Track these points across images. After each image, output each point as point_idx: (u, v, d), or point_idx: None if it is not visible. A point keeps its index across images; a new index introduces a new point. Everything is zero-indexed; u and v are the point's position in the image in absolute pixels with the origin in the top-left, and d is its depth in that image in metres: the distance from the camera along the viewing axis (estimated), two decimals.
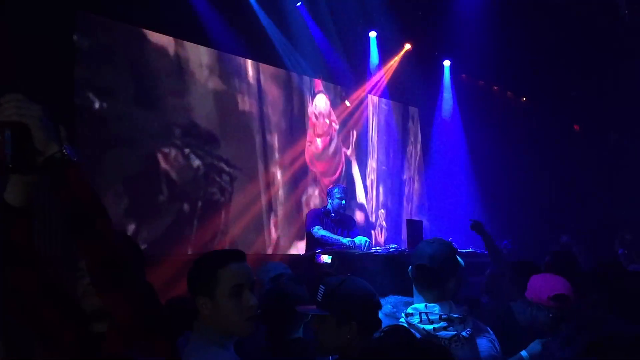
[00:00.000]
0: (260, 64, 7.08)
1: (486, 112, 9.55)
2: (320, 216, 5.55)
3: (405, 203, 9.01)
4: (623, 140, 9.81)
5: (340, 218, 5.62)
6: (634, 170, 9.42)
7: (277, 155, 7.17)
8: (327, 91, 8.06)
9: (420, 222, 6.03)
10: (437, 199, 9.29)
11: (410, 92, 9.22)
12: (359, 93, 8.51)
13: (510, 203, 8.99)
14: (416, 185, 9.33)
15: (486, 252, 5.52)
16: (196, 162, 6.16)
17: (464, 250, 5.73)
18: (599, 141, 10.08)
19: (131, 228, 5.40)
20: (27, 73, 4.76)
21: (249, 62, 6.95)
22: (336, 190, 5.64)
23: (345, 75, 8.17)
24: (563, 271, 3.74)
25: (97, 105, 5.44)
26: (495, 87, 10.27)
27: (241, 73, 6.87)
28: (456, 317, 2.02)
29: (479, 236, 4.64)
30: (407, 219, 6.00)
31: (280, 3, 7.17)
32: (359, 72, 8.43)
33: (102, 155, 5.34)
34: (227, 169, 6.47)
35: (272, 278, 3.12)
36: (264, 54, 7.09)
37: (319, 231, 5.33)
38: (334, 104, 8.12)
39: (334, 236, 5.28)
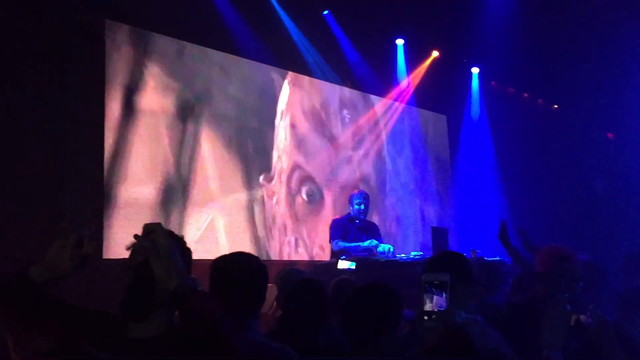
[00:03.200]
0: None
1: (516, 119, 9.41)
2: (343, 224, 5.55)
3: (432, 210, 8.93)
4: None
5: (365, 225, 5.60)
6: None
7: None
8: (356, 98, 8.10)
9: (446, 229, 5.98)
10: (465, 207, 9.19)
11: (438, 99, 9.17)
12: (386, 100, 8.50)
13: (539, 213, 8.82)
14: (444, 192, 9.24)
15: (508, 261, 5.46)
16: None
17: (490, 259, 5.65)
18: (632, 149, 9.83)
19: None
20: None
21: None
22: (356, 196, 5.65)
23: (373, 83, 8.18)
24: None
25: None
26: (526, 94, 10.13)
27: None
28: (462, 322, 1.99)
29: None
30: (432, 227, 5.95)
31: (307, 11, 7.23)
32: (387, 79, 8.43)
33: None
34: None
35: (295, 283, 3.13)
36: (290, 61, 7.17)
37: (337, 244, 5.34)
38: (363, 111, 8.16)
39: (353, 244, 5.28)
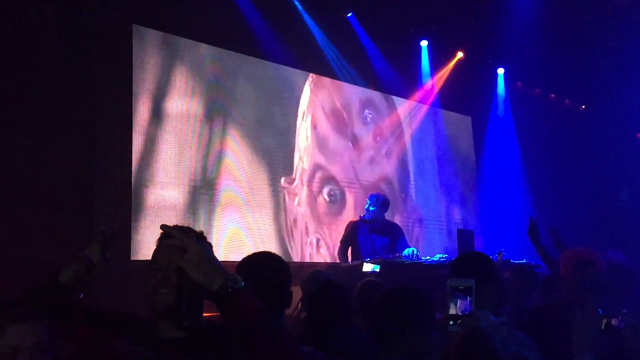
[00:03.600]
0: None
1: (543, 120, 9.31)
2: (352, 227, 5.57)
3: (457, 212, 8.87)
4: None
5: (381, 226, 5.57)
6: None
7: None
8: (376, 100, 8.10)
9: (472, 232, 5.93)
10: (491, 208, 9.10)
11: (463, 100, 9.10)
12: (411, 102, 8.48)
13: (567, 214, 8.70)
14: (469, 194, 9.18)
15: (541, 264, 5.39)
16: None
17: (517, 262, 5.60)
18: None
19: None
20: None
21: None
22: (368, 197, 5.67)
23: (397, 85, 8.16)
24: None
25: None
26: (552, 95, 10.01)
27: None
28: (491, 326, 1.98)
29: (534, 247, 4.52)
30: (457, 229, 5.91)
31: (331, 14, 7.25)
32: (411, 81, 8.40)
33: None
34: None
35: (318, 285, 3.14)
36: (315, 64, 7.20)
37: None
38: (385, 112, 8.14)
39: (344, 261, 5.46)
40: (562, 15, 7.78)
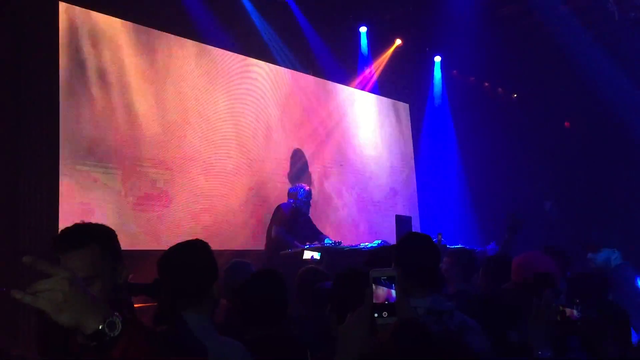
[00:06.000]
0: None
1: (477, 108, 9.53)
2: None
3: (394, 199, 8.98)
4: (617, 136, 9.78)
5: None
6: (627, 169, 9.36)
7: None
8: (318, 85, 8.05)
9: (410, 218, 6.02)
10: (427, 195, 9.27)
11: (401, 87, 9.20)
12: (350, 88, 8.47)
13: (500, 200, 8.98)
14: (406, 181, 9.30)
15: (477, 249, 5.55)
16: None
17: (453, 247, 5.72)
18: (589, 138, 10.08)
19: None
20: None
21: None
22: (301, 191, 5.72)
23: (335, 71, 8.13)
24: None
25: None
26: (486, 84, 10.26)
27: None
28: (445, 310, 1.99)
29: (469, 232, 4.63)
30: (396, 215, 5.97)
31: None
32: (349, 67, 8.40)
33: None
34: None
35: (245, 277, 3.04)
36: (252, 48, 7.05)
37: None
38: (325, 99, 8.10)
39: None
40: (496, 5, 7.97)
